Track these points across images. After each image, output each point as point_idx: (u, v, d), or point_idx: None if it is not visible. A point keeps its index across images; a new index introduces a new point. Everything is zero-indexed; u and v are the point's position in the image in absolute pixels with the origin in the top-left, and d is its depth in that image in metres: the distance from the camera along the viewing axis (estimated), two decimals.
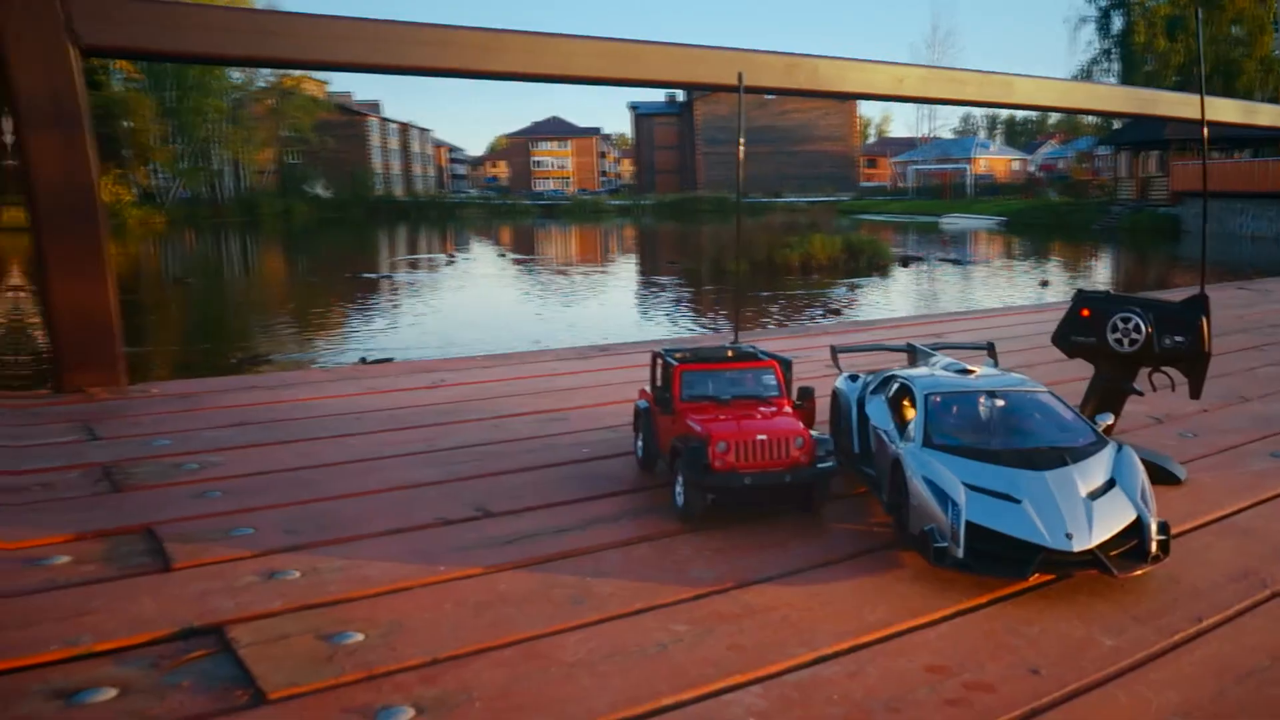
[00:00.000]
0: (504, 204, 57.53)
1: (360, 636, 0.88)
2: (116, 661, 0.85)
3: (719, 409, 1.22)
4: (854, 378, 1.40)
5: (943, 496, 1.00)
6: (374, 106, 68.73)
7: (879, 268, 17.30)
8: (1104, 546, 0.97)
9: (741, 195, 1.52)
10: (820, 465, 1.16)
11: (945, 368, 1.29)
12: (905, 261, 18.27)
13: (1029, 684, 0.80)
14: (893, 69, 2.87)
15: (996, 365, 1.45)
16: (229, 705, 0.77)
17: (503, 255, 24.85)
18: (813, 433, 1.18)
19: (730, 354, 1.31)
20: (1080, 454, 1.07)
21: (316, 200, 50.46)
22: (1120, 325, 1.33)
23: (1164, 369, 1.35)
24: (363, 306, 14.34)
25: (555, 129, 78.26)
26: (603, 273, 20.38)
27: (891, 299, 12.84)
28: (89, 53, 1.89)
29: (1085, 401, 1.39)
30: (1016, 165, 49.89)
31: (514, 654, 0.85)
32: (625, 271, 20.55)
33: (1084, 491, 1.01)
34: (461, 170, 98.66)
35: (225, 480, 1.34)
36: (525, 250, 28.14)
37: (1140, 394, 1.35)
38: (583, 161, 77.07)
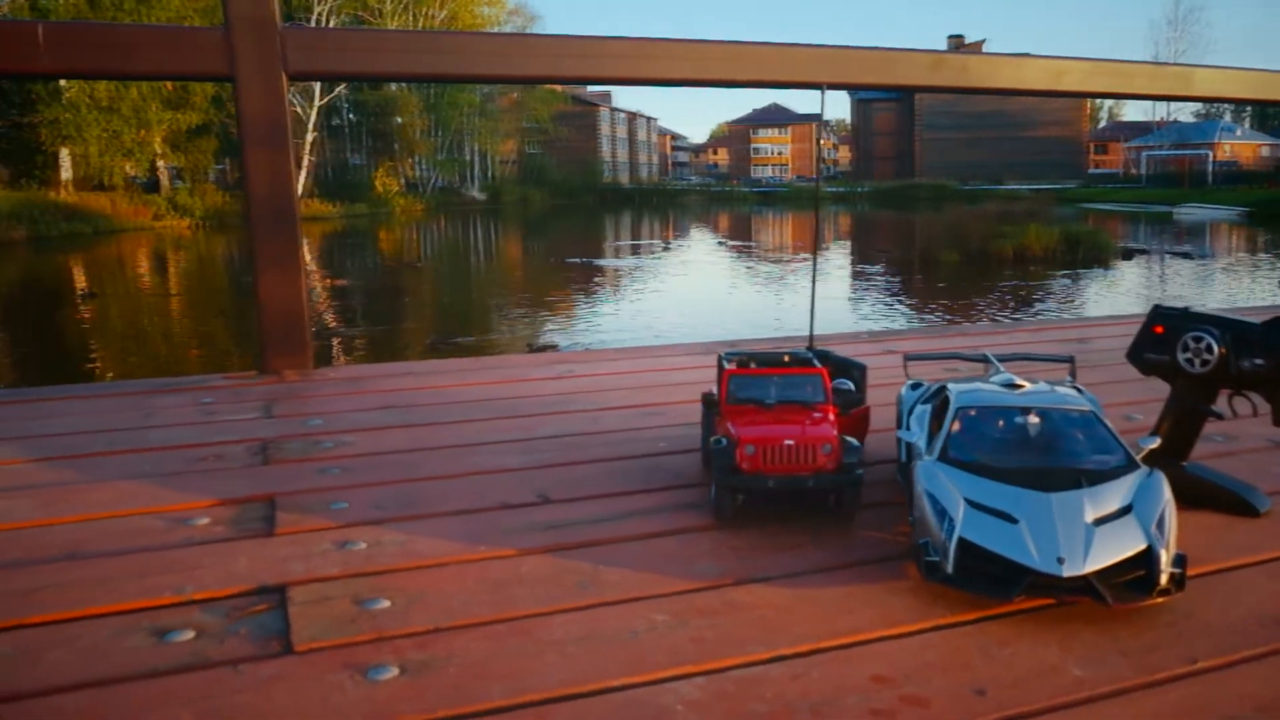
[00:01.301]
0: (722, 191, 57.60)
1: (387, 604, 0.99)
2: (203, 610, 0.99)
3: (761, 412, 1.25)
4: (917, 385, 1.39)
5: (941, 512, 1.00)
6: (605, 97, 70.42)
7: (1099, 260, 16.21)
8: (1103, 574, 0.94)
9: (820, 184, 1.53)
10: (847, 473, 1.17)
11: (999, 381, 1.27)
12: (1128, 254, 17.01)
13: (967, 704, 0.80)
14: (1050, 63, 2.73)
15: (1074, 380, 1.40)
16: (264, 653, 0.89)
17: (722, 244, 24.95)
18: (849, 440, 1.19)
19: (786, 359, 1.34)
20: (1100, 477, 1.03)
21: (551, 188, 52.35)
22: (1191, 344, 1.26)
23: (1245, 393, 1.26)
24: (575, 291, 14.84)
25: (775, 116, 77.47)
26: (819, 261, 20.12)
27: (1107, 294, 12.02)
28: (295, 78, 2.11)
29: (1160, 422, 1.32)
30: (1266, 151, 45.08)
31: (504, 629, 0.93)
32: (837, 260, 20.20)
33: (1091, 516, 0.98)
34: (683, 158, 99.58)
35: (348, 458, 1.50)
36: (742, 237, 28.16)
37: (1221, 417, 1.27)
38: (801, 148, 75.97)
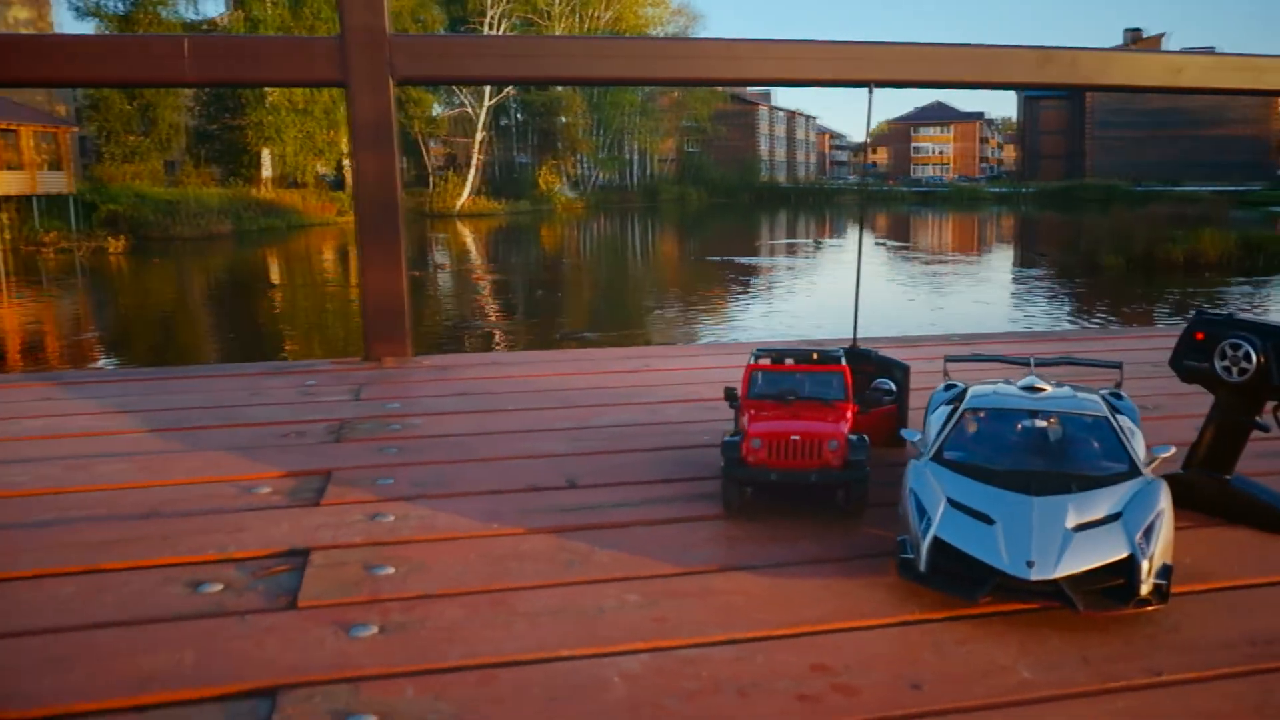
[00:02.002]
0: (880, 190, 56.22)
1: (391, 570, 1.06)
2: (237, 567, 1.09)
3: (778, 408, 1.26)
4: (950, 387, 1.36)
5: (921, 510, 0.99)
6: (765, 96, 69.92)
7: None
8: (1078, 580, 0.91)
9: (866, 186, 1.51)
10: (853, 469, 1.17)
11: (1023, 384, 1.23)
12: None
13: (898, 695, 0.80)
14: (1168, 58, 2.59)
15: (1120, 386, 1.34)
16: (270, 607, 0.98)
17: (880, 244, 24.43)
18: (857, 438, 1.19)
19: (815, 356, 1.33)
20: (1094, 483, 1.00)
21: (708, 186, 52.44)
22: (1229, 352, 1.19)
23: None
24: (721, 288, 14.84)
25: (938, 114, 75.00)
26: (973, 263, 19.45)
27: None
28: (401, 83, 2.23)
29: (1201, 433, 1.25)
30: None
31: (485, 599, 0.98)
32: (995, 263, 19.45)
33: (1073, 522, 0.95)
34: (842, 157, 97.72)
35: (408, 439, 1.59)
36: (899, 238, 27.49)
37: (1266, 430, 1.19)
38: (963, 147, 73.26)
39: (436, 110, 44.22)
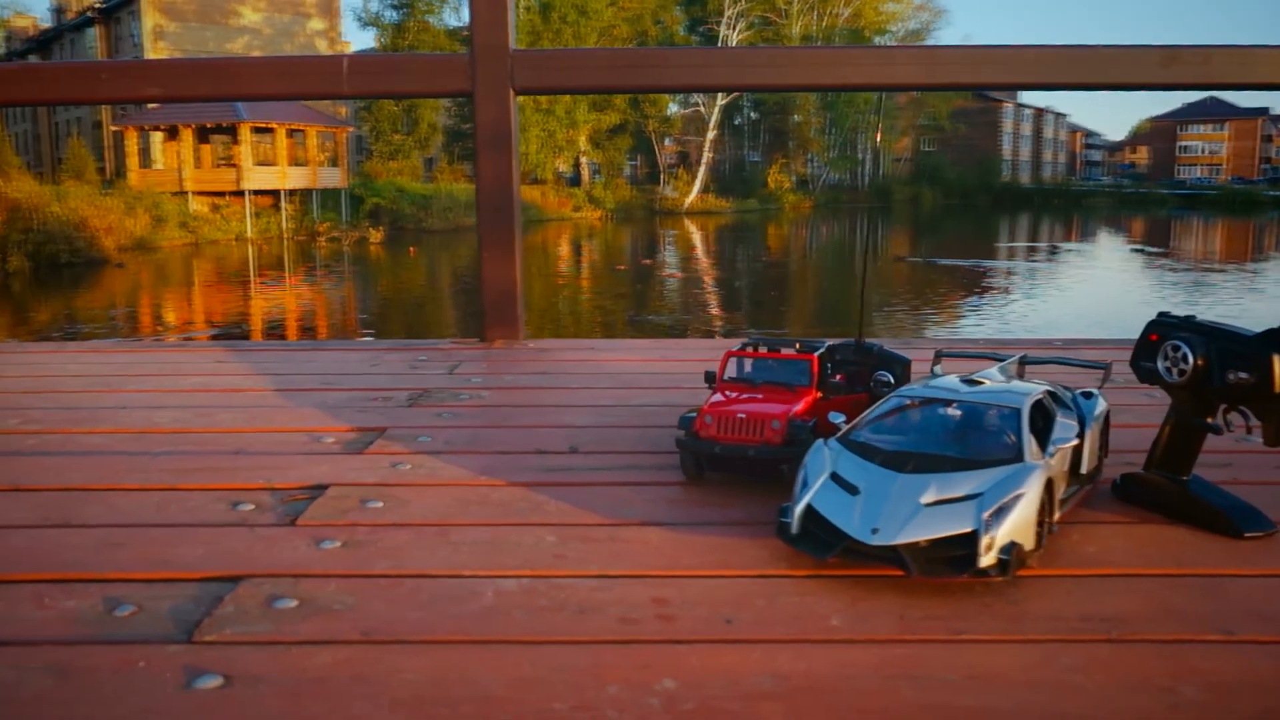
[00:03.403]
0: (1136, 192, 51.97)
1: (380, 505, 1.28)
2: (272, 494, 1.35)
3: (746, 390, 1.39)
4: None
5: (805, 481, 1.10)
6: (1011, 93, 66.31)
7: None
8: (917, 548, 1.00)
9: (865, 193, 1.60)
10: (791, 447, 1.28)
11: (965, 377, 1.29)
12: None
13: (706, 626, 0.93)
14: None
15: (1101, 386, 1.36)
16: (276, 523, 1.22)
17: (1137, 250, 22.80)
18: (799, 420, 1.29)
19: (797, 347, 1.44)
20: (968, 465, 1.07)
21: (944, 187, 50.52)
22: (1170, 353, 1.20)
23: (1240, 408, 1.18)
24: (940, 292, 14.38)
25: (1211, 110, 68.27)
26: (1246, 272, 17.80)
27: None
28: (520, 93, 2.48)
29: (1158, 433, 1.27)
30: None
31: (433, 530, 1.19)
32: (1273, 273, 17.71)
33: (929, 498, 1.03)
34: (1096, 156, 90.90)
35: (465, 407, 1.82)
36: (1158, 243, 25.49)
37: (1217, 432, 1.20)
38: (1240, 146, 66.28)
39: (672, 109, 45.37)
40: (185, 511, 1.28)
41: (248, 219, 27.59)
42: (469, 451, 1.53)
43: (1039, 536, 1.05)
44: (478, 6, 2.39)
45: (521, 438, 1.61)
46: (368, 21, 40.62)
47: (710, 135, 40.51)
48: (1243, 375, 1.14)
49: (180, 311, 16.01)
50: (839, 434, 1.18)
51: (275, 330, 13.04)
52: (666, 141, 48.15)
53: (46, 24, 53.98)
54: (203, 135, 29.46)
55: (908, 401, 1.21)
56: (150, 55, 40.37)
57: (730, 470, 1.35)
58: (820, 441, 1.17)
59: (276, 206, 28.78)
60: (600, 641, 0.90)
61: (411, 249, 25.37)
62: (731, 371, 1.43)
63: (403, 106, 37.49)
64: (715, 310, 12.74)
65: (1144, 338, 1.25)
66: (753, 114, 48.06)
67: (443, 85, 2.49)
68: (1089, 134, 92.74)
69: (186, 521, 1.24)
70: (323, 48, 43.27)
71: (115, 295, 18.28)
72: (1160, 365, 1.21)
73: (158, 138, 31.04)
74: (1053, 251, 22.77)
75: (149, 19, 41.25)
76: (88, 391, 2.04)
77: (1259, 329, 1.15)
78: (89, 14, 45.42)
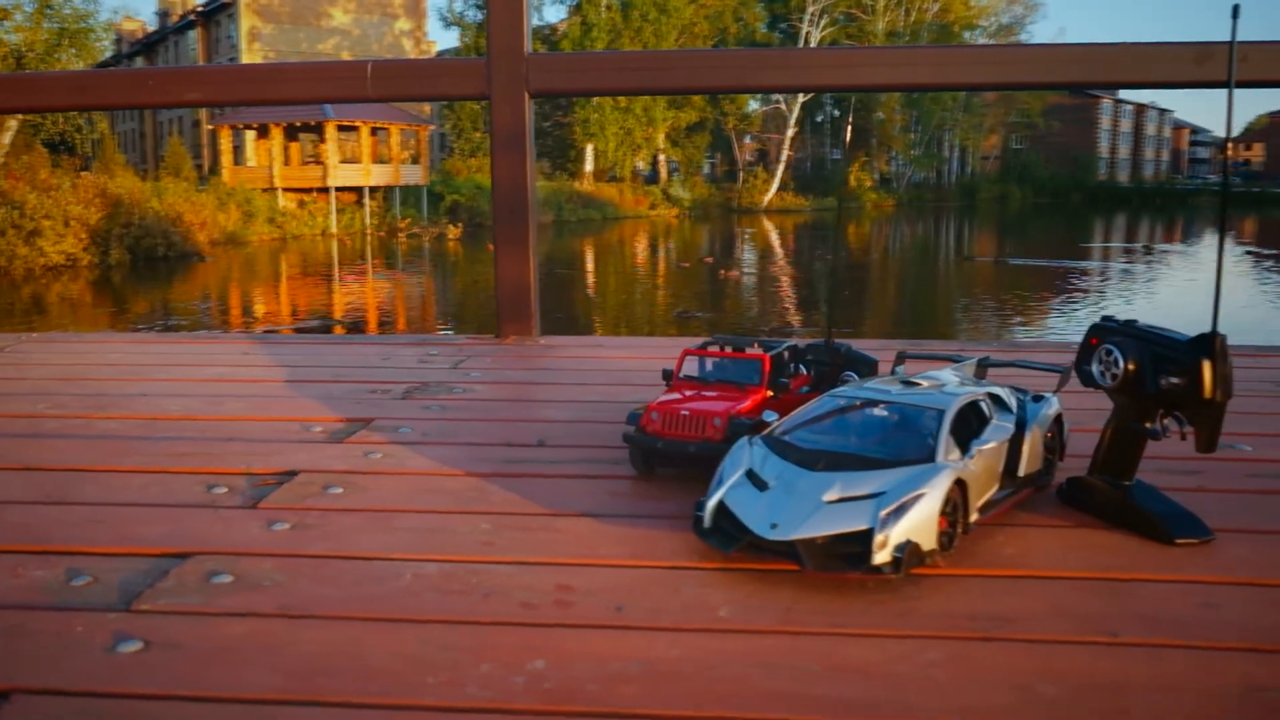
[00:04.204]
0: (1248, 191, 49.78)
1: (340, 490, 1.35)
2: (247, 479, 1.43)
3: (699, 388, 1.42)
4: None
5: (722, 478, 1.14)
6: (1110, 88, 64.22)
7: None
8: (813, 544, 1.02)
9: (841, 195, 1.62)
10: (731, 444, 1.31)
11: (905, 378, 1.30)
12: None
13: (598, 612, 0.97)
14: None
15: (1059, 390, 1.36)
16: (241, 505, 1.31)
17: (1251, 252, 21.97)
18: (741, 419, 1.32)
19: (756, 345, 1.47)
20: (878, 465, 1.09)
21: (1034, 185, 49.23)
22: (1104, 357, 1.20)
23: (1175, 414, 1.18)
24: (1017, 294, 14.05)
25: None
26: None
27: None
28: (535, 95, 2.55)
29: (1100, 438, 1.26)
30: None
31: (379, 516, 1.25)
32: None
33: (832, 495, 1.05)
34: (1204, 154, 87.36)
35: (455, 400, 1.88)
36: (1272, 244, 24.50)
37: (1155, 437, 1.20)
38: None
39: (752, 106, 45.18)
40: (165, 492, 1.37)
41: (332, 215, 28.40)
42: (441, 443, 1.59)
43: (948, 536, 1.07)
44: (494, 12, 2.46)
45: (496, 431, 1.67)
46: (451, 21, 41.39)
47: (790, 133, 40.25)
48: (1174, 380, 1.14)
49: (267, 304, 16.58)
50: (764, 432, 1.21)
51: (356, 324, 13.43)
52: (746, 139, 47.99)
53: (153, 28, 56.33)
54: (291, 133, 30.41)
55: (839, 402, 1.23)
56: (245, 56, 41.86)
57: (674, 465, 1.38)
58: (745, 439, 1.20)
59: (360, 203, 29.55)
60: (492, 623, 0.96)
61: (490, 245, 25.82)
62: (690, 369, 1.47)
63: (485, 105, 38.08)
64: (780, 309, 12.67)
65: (1085, 341, 1.25)
66: (835, 111, 47.57)
67: (460, 89, 2.57)
68: (1196, 130, 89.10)
69: (163, 502, 1.33)
70: (409, 47, 44.26)
71: (207, 288, 19.01)
72: (1095, 369, 1.21)
73: (250, 136, 32.14)
74: (1148, 252, 22.04)
75: (245, 21, 42.74)
76: (116, 380, 2.17)
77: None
78: (190, 17, 47.24)
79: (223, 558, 1.13)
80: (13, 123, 24.95)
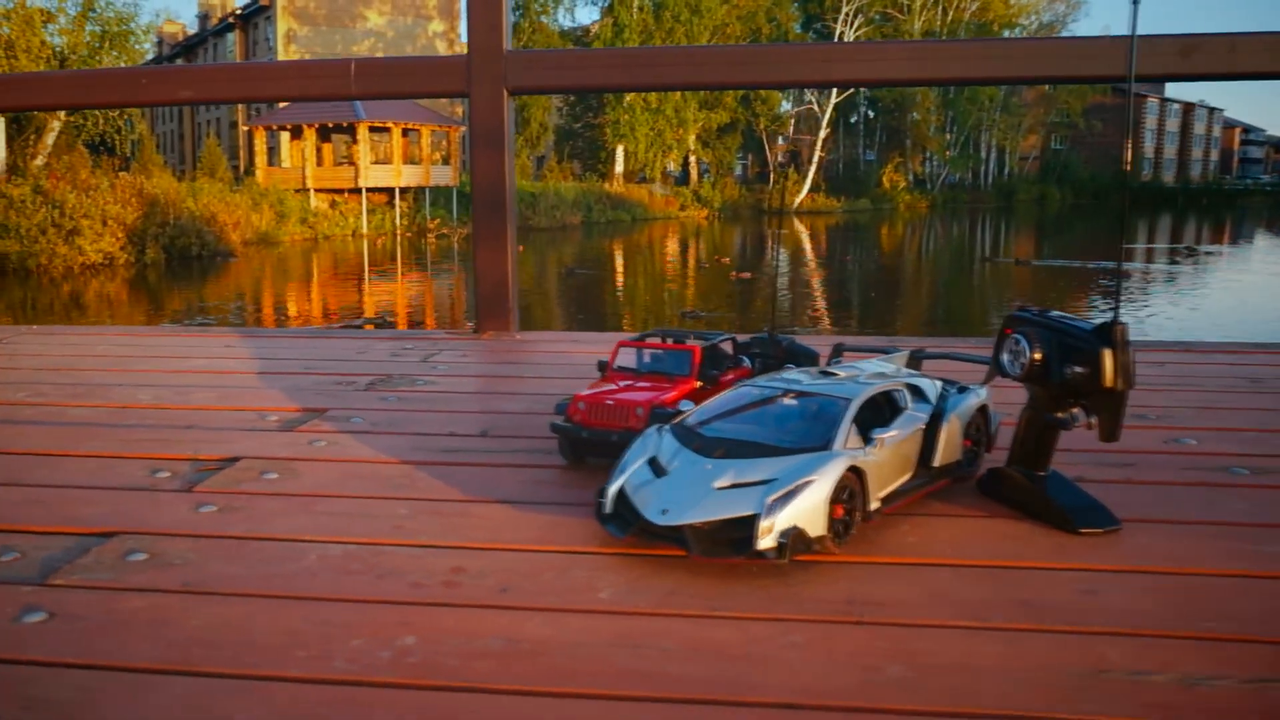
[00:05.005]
0: None
1: (274, 476, 1.39)
2: (192, 465, 1.48)
3: (630, 378, 1.45)
4: (823, 373, 1.46)
5: (624, 465, 1.16)
6: (1157, 87, 63.29)
7: None
8: (701, 529, 1.04)
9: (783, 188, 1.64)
10: None
11: (823, 370, 1.32)
12: None
13: (483, 593, 1.00)
14: None
15: (987, 382, 1.38)
16: (179, 489, 1.35)
17: None
18: (663, 408, 1.35)
19: (691, 339, 1.50)
20: (775, 452, 1.11)
21: (1074, 186, 48.61)
22: (1013, 347, 1.22)
23: (1081, 403, 1.19)
24: (1064, 296, 13.91)
25: None
26: None
27: None
28: (514, 93, 2.59)
29: (1016, 429, 1.28)
30: None
31: (303, 500, 1.29)
32: None
33: (723, 482, 1.08)
34: (1257, 153, 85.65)
35: (413, 393, 1.92)
36: None
37: (1066, 426, 1.21)
38: None
39: (784, 107, 45.03)
40: (114, 476, 1.42)
41: (363, 215, 28.70)
42: (387, 433, 1.63)
43: (844, 524, 1.09)
44: (474, 11, 2.50)
45: (444, 421, 1.70)
46: None
47: (822, 133, 40.09)
48: (1078, 370, 1.15)
49: (298, 303, 16.79)
50: (674, 420, 1.23)
51: (387, 321, 13.61)
52: (779, 140, 47.84)
53: (193, 30, 57.28)
54: (324, 134, 30.77)
55: (753, 391, 1.25)
56: (282, 58, 42.41)
57: (601, 454, 1.41)
58: (655, 428, 1.22)
59: (391, 203, 29.84)
60: (378, 602, 0.99)
61: (520, 246, 26.00)
62: (626, 361, 1.50)
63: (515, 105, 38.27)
64: (781, 308, 12.64)
65: (1001, 331, 1.26)
66: (869, 112, 47.31)
67: (441, 86, 2.61)
68: (1249, 129, 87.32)
69: (107, 485, 1.38)
70: (442, 49, 44.60)
71: (240, 287, 19.28)
72: (1005, 359, 1.23)
73: (285, 137, 32.57)
74: (1191, 254, 21.70)
75: (283, 24, 43.32)
76: (98, 370, 2.24)
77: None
78: (229, 20, 47.97)
79: (144, 537, 1.17)
80: (55, 124, 25.49)
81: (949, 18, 46.43)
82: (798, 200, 40.02)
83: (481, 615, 0.96)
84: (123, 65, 27.28)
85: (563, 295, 15.63)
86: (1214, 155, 74.65)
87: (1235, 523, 1.21)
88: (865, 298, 14.46)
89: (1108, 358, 1.12)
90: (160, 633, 0.93)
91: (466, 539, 1.16)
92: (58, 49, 26.50)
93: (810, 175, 41.63)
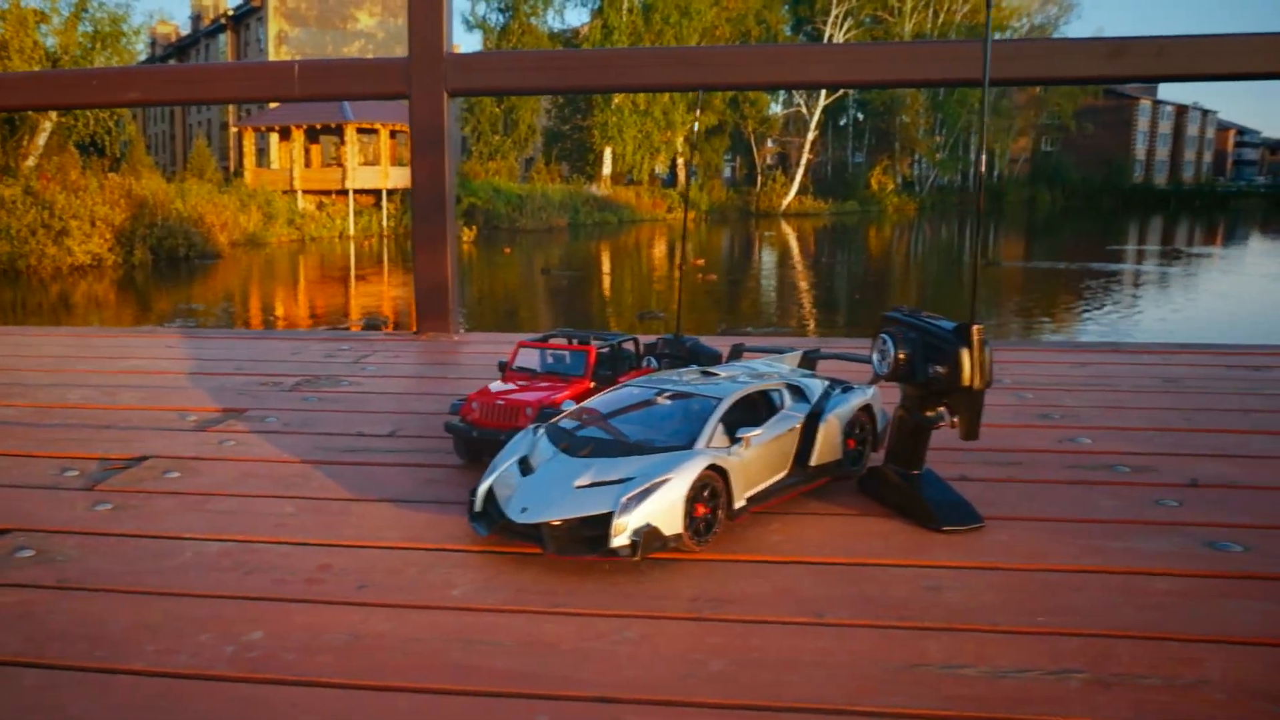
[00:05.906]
0: None
1: (176, 475, 1.42)
2: (100, 464, 1.50)
3: (527, 379, 1.48)
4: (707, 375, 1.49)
5: (495, 464, 1.19)
6: (1149, 89, 63.52)
7: None
8: (553, 527, 1.07)
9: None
10: None
11: (704, 371, 1.35)
12: None
13: (341, 590, 1.03)
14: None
15: (874, 381, 1.41)
16: (82, 487, 1.37)
17: None
18: (551, 408, 1.38)
19: (592, 340, 1.53)
20: (638, 450, 1.13)
21: (1065, 188, 48.78)
22: (880, 347, 1.25)
23: (945, 403, 1.22)
24: (1023, 298, 13.95)
25: None
26: None
27: None
28: (453, 94, 2.61)
29: (888, 427, 1.31)
30: None
31: (196, 498, 1.32)
32: None
33: (584, 481, 1.10)
34: (1251, 155, 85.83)
35: (336, 393, 1.95)
36: None
37: (933, 425, 1.24)
38: None
39: (773, 109, 45.09)
40: (23, 474, 1.45)
41: (350, 217, 28.67)
42: (297, 433, 1.66)
43: (706, 522, 1.12)
44: (415, 13, 2.53)
45: (356, 421, 1.73)
46: (475, 24, 41.67)
47: (810, 136, 40.18)
48: (939, 369, 1.18)
49: (285, 304, 16.78)
50: (550, 420, 1.26)
51: (374, 322, 13.63)
52: (768, 143, 47.91)
53: (186, 31, 57.14)
54: (312, 136, 30.73)
55: (632, 391, 1.28)
56: (273, 58, 42.34)
57: (486, 452, 1.44)
58: (530, 427, 1.25)
59: (378, 205, 29.82)
60: (237, 598, 1.02)
61: (506, 248, 26.00)
62: (528, 361, 1.53)
63: (503, 108, 38.34)
64: (740, 309, 12.68)
65: (877, 333, 1.29)
66: (859, 115, 47.42)
67: (383, 87, 2.64)
68: (1243, 131, 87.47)
69: (14, 483, 1.41)
70: None
71: (227, 288, 19.25)
72: (875, 358, 1.26)
73: (274, 138, 32.53)
74: (1178, 256, 21.79)
75: (274, 25, 43.27)
76: (36, 370, 2.26)
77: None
78: (220, 21, 47.88)
79: (36, 534, 1.20)
80: (47, 124, 25.42)
81: (940, 20, 46.56)
82: (785, 202, 40.11)
83: (333, 611, 0.99)
84: (114, 65, 27.23)
85: (538, 296, 15.70)
86: (1207, 157, 74.84)
87: (1098, 519, 1.25)
88: (832, 299, 14.53)
89: (965, 357, 1.16)
90: (24, 626, 0.96)
91: (340, 537, 1.18)
92: (50, 50, 26.44)
93: (798, 177, 41.75)
